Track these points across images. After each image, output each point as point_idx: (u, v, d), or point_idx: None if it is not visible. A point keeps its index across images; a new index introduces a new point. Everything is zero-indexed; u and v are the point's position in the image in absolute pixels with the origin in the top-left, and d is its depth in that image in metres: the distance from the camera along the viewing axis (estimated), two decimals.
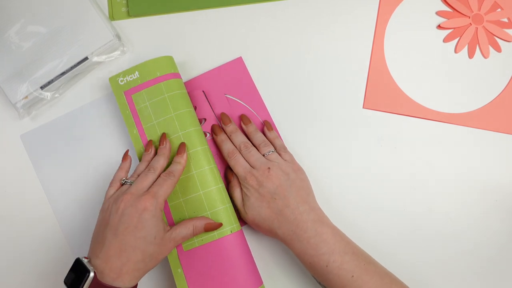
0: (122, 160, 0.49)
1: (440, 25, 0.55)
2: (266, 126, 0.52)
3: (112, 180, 0.48)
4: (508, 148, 0.52)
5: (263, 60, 0.55)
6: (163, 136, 0.48)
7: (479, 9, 0.55)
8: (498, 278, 0.50)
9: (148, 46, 0.56)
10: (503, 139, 0.53)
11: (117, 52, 0.55)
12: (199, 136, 0.49)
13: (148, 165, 0.47)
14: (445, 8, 0.56)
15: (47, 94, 0.54)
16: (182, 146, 0.48)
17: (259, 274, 0.47)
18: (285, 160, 0.49)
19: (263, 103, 0.53)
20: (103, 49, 0.54)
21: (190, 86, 0.54)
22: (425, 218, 0.51)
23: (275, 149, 0.50)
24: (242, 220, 0.50)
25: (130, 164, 0.49)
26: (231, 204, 0.48)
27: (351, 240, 0.45)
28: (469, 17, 0.55)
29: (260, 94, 0.54)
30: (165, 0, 0.56)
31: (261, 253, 0.51)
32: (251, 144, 0.50)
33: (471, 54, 0.55)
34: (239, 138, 0.50)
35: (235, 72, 0.54)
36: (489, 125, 0.53)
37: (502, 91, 0.54)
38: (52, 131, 0.54)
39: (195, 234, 0.45)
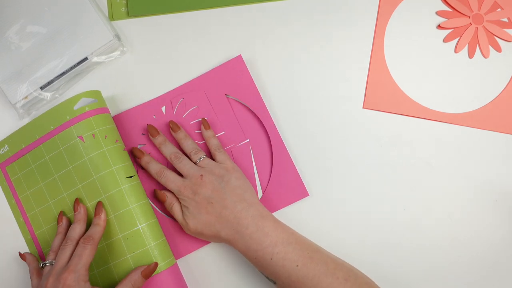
0: (24, 259, 0.49)
1: (440, 25, 0.55)
2: (203, 125, 0.51)
3: (30, 273, 0.47)
4: (508, 148, 0.52)
5: (263, 59, 0.55)
6: (76, 202, 0.48)
7: (479, 9, 0.55)
8: (498, 278, 0.50)
9: (148, 46, 0.56)
10: (503, 139, 0.53)
11: (117, 53, 0.55)
12: (118, 176, 0.47)
13: (65, 237, 0.46)
14: (445, 8, 0.56)
15: (47, 94, 0.54)
16: (98, 206, 0.47)
17: None
18: (218, 161, 0.49)
19: (263, 102, 0.53)
20: (102, 49, 0.54)
21: (191, 87, 0.54)
22: (425, 218, 0.51)
23: (211, 148, 0.50)
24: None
25: (34, 256, 0.49)
26: (163, 238, 0.48)
27: (294, 231, 0.45)
28: (469, 17, 0.55)
29: (260, 93, 0.53)
30: (165, 0, 0.56)
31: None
32: (181, 153, 0.49)
33: (471, 54, 0.55)
34: (169, 148, 0.50)
35: (235, 71, 0.54)
36: (489, 125, 0.53)
37: (502, 91, 0.54)
38: None
39: None
